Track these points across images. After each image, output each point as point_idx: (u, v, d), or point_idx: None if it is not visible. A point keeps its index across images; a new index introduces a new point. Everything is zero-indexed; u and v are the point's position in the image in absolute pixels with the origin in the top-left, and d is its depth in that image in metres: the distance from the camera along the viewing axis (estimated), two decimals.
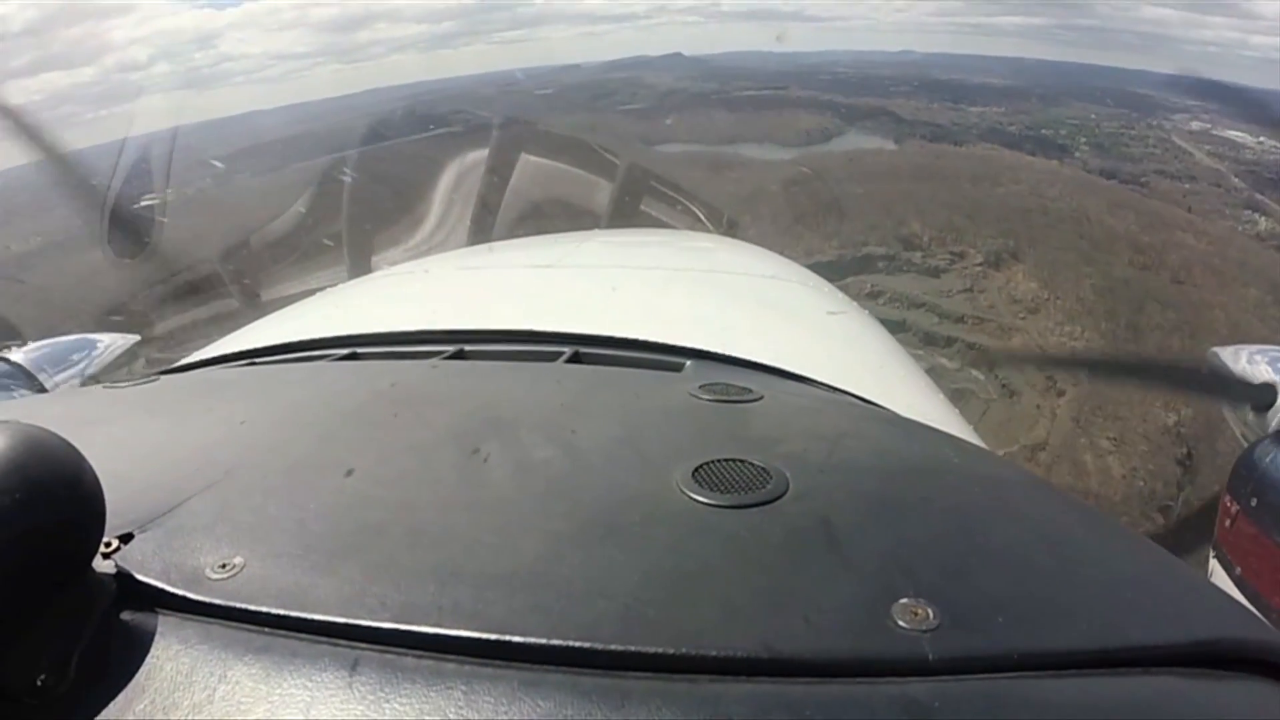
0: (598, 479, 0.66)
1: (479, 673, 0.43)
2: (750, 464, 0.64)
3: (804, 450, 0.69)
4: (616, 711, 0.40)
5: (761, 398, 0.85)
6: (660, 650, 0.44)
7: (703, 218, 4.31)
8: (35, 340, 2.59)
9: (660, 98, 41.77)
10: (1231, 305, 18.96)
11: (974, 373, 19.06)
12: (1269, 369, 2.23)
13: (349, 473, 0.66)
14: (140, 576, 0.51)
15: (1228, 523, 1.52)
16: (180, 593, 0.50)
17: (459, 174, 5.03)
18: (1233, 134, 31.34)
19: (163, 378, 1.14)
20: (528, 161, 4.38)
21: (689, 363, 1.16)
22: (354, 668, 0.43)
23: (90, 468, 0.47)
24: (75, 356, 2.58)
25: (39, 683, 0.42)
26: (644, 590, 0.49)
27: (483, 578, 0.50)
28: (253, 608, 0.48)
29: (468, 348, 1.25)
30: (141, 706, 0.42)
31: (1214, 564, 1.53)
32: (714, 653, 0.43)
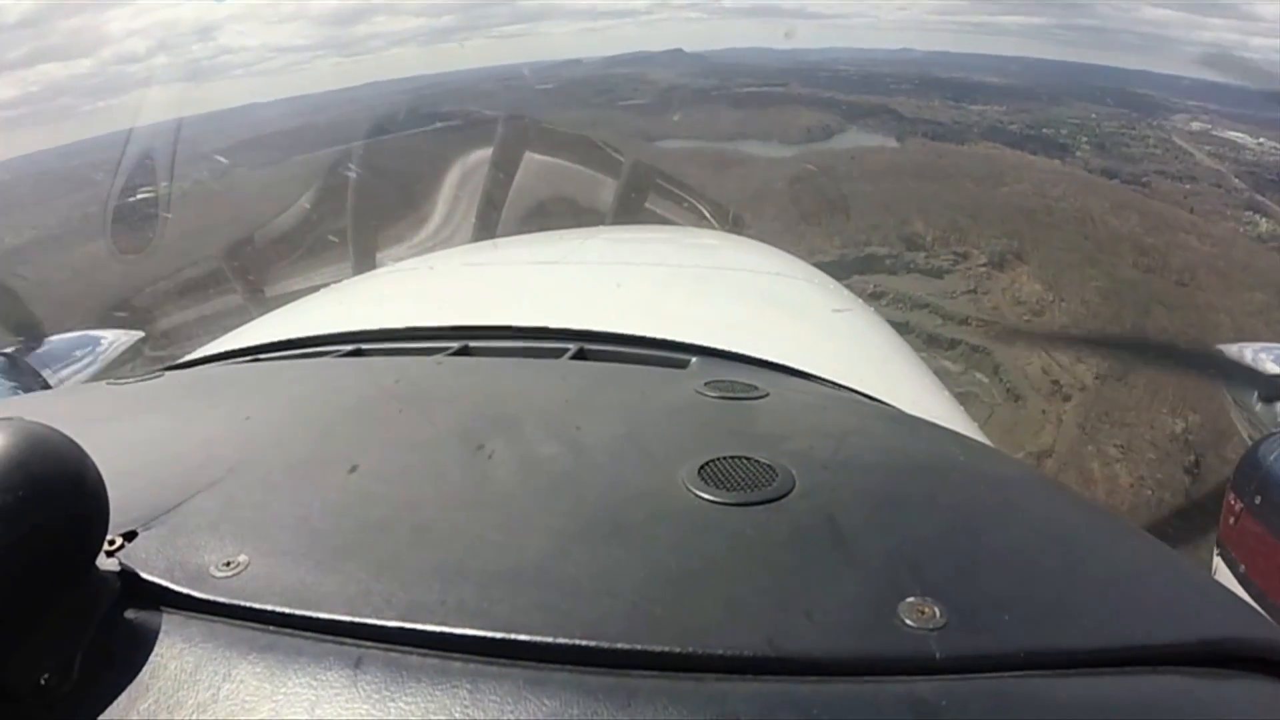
0: (603, 476, 0.67)
1: (484, 671, 0.43)
2: (756, 461, 0.64)
3: (810, 448, 0.69)
4: (622, 710, 0.40)
5: (767, 395, 0.86)
6: (666, 648, 0.44)
7: (708, 214, 4.31)
8: (40, 336, 2.58)
9: (661, 94, 41.73)
10: (1237, 309, 18.96)
11: (978, 376, 19.05)
12: (1275, 366, 2.25)
13: (353, 469, 0.66)
14: (144, 574, 0.51)
15: (1232, 520, 1.53)
16: (184, 591, 0.50)
17: (463, 170, 5.02)
18: (1233, 135, 31.41)
19: (167, 374, 1.15)
20: (532, 158, 4.38)
21: (694, 360, 1.16)
22: (359, 666, 0.44)
23: (93, 465, 0.47)
24: (79, 353, 2.58)
25: (42, 681, 0.42)
26: (650, 588, 0.49)
27: (488, 575, 0.51)
28: (257, 605, 0.49)
29: (472, 344, 1.26)
30: (146, 705, 0.43)
31: (1218, 561, 1.55)
32: (720, 651, 0.44)
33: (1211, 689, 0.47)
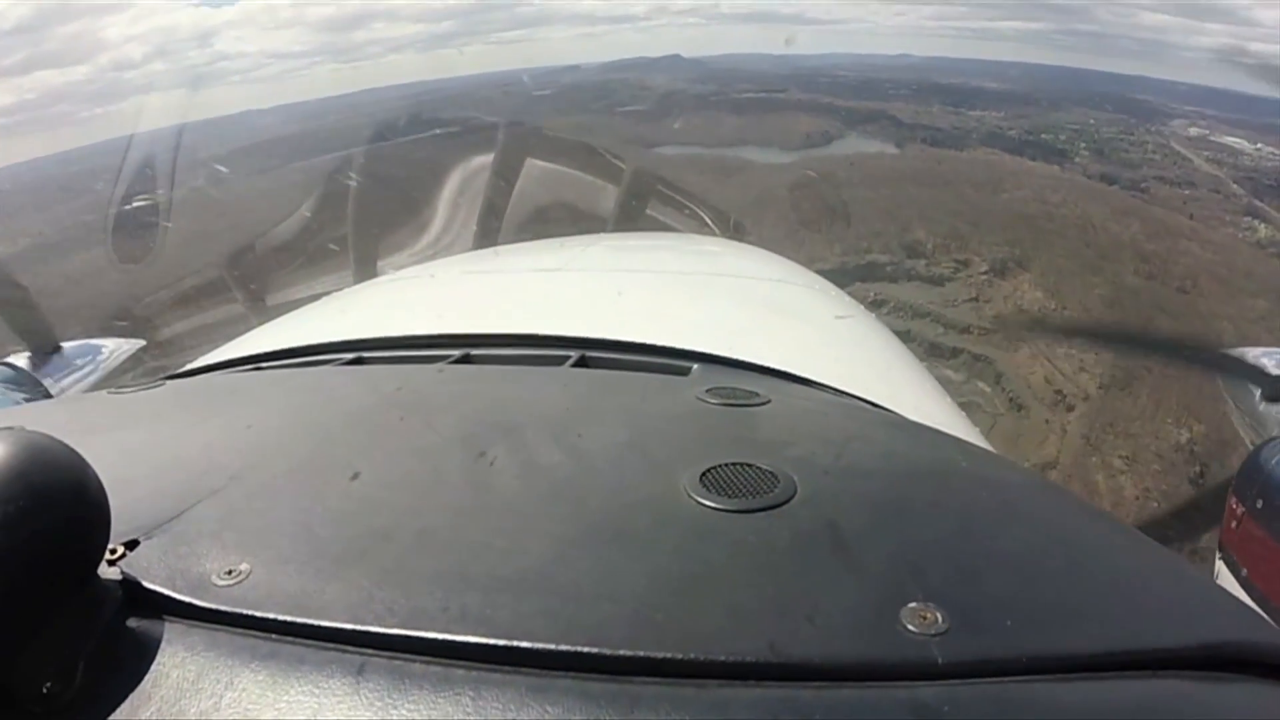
0: (605, 483, 0.67)
1: (487, 678, 0.43)
2: (758, 468, 0.64)
3: (812, 454, 0.69)
4: (625, 716, 0.40)
5: (769, 402, 0.86)
6: (669, 655, 0.44)
7: (709, 221, 4.31)
8: (41, 345, 2.58)
9: (660, 99, 41.88)
10: (1239, 316, 18.91)
11: (980, 385, 19.03)
12: (1278, 368, 2.24)
13: (355, 477, 0.67)
14: (146, 583, 0.51)
15: (1234, 524, 1.53)
16: (186, 599, 0.50)
17: (464, 177, 5.02)
18: (1230, 140, 31.52)
19: (168, 383, 1.14)
20: (533, 165, 4.39)
21: (696, 367, 1.17)
22: (361, 674, 0.44)
23: (95, 474, 0.48)
24: (80, 362, 2.57)
25: (45, 690, 0.43)
26: (652, 595, 0.49)
27: (490, 582, 0.51)
28: (259, 614, 0.49)
29: (474, 352, 1.26)
30: (148, 713, 0.43)
31: (1220, 565, 1.56)
32: (722, 657, 0.44)
33: (1214, 693, 0.47)
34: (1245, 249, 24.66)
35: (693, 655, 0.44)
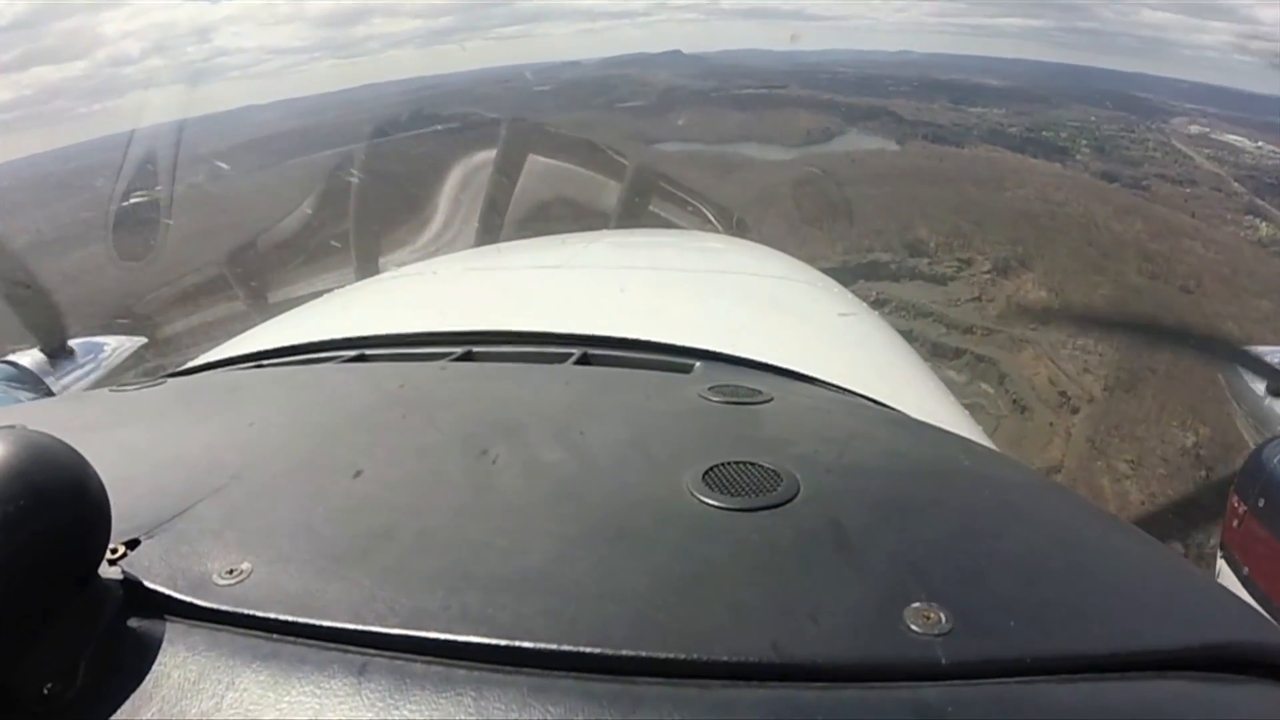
0: (607, 482, 0.67)
1: (489, 678, 0.43)
2: (761, 466, 0.64)
3: (815, 452, 0.69)
4: (627, 717, 0.40)
5: (771, 399, 0.86)
6: (671, 655, 0.44)
7: (711, 218, 4.31)
8: (42, 343, 2.57)
9: (660, 95, 41.83)
10: (1243, 317, 18.79)
11: (984, 386, 18.98)
12: None
13: (357, 475, 0.67)
14: (147, 582, 0.51)
15: (1235, 523, 1.54)
16: (187, 599, 0.50)
17: (465, 174, 5.02)
18: (1231, 138, 31.54)
19: (169, 380, 1.14)
20: (535, 161, 4.38)
21: (698, 364, 1.17)
22: (363, 673, 0.44)
23: (95, 474, 0.48)
24: (81, 360, 2.57)
25: (46, 690, 0.43)
26: (655, 594, 0.49)
27: (492, 582, 0.51)
28: (260, 613, 0.49)
29: (476, 349, 1.26)
30: (149, 713, 0.43)
31: (1221, 564, 1.57)
32: (725, 657, 0.44)
33: (1216, 693, 0.47)
34: (1248, 248, 24.65)
35: (695, 655, 0.44)
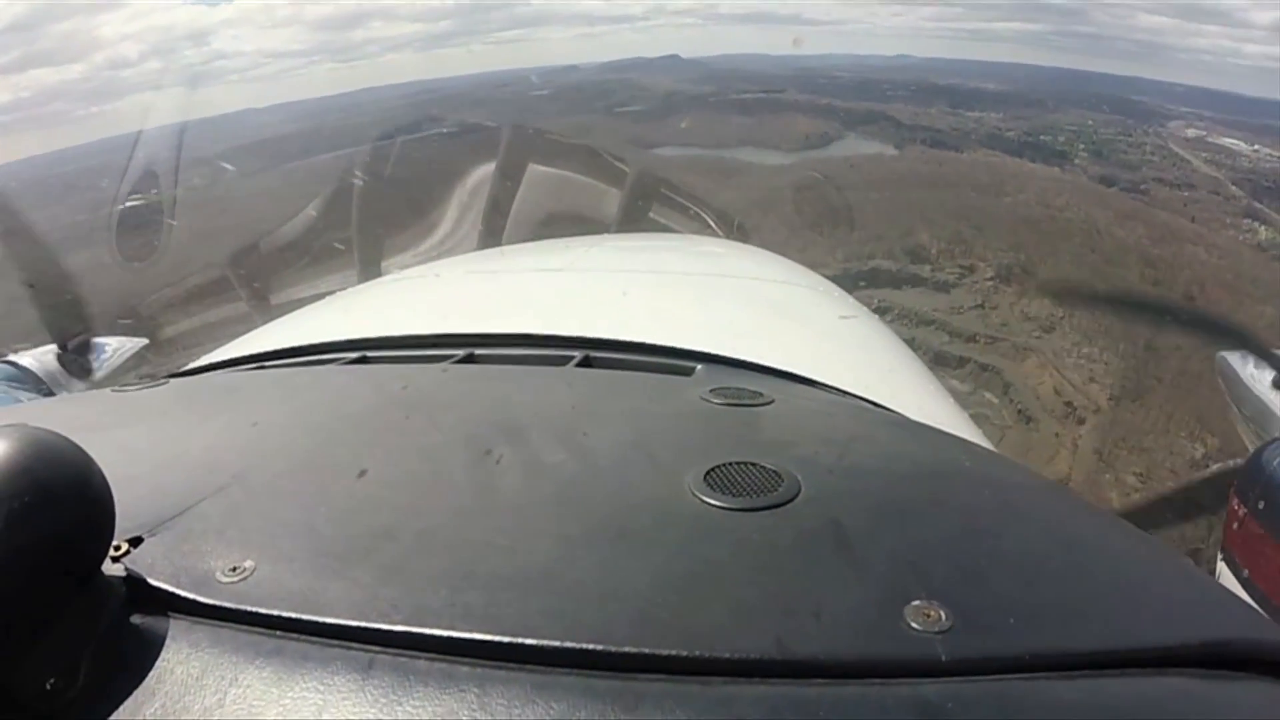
0: (609, 482, 0.67)
1: (492, 675, 0.43)
2: (762, 467, 0.65)
3: (815, 454, 0.70)
4: (630, 714, 0.40)
5: (772, 401, 0.87)
6: (673, 652, 0.44)
7: (712, 223, 4.31)
8: (43, 344, 2.57)
9: (658, 100, 41.99)
10: (1248, 323, 18.62)
11: (988, 395, 18.90)
12: None
13: (360, 475, 0.67)
14: (150, 580, 0.52)
15: (1235, 525, 1.55)
16: (190, 596, 0.51)
17: (467, 177, 5.02)
18: (1228, 141, 31.67)
19: (171, 381, 1.15)
20: (536, 166, 4.39)
21: (699, 367, 1.18)
22: (366, 670, 0.44)
23: (99, 471, 0.48)
24: (82, 360, 2.57)
25: (48, 686, 0.43)
26: (657, 593, 0.50)
27: (495, 580, 0.51)
28: (264, 611, 0.49)
29: (478, 351, 1.27)
30: (152, 710, 0.43)
31: (1221, 565, 1.57)
32: (727, 655, 0.44)
33: (1216, 691, 0.47)
34: (1248, 252, 24.74)
35: (697, 652, 0.44)
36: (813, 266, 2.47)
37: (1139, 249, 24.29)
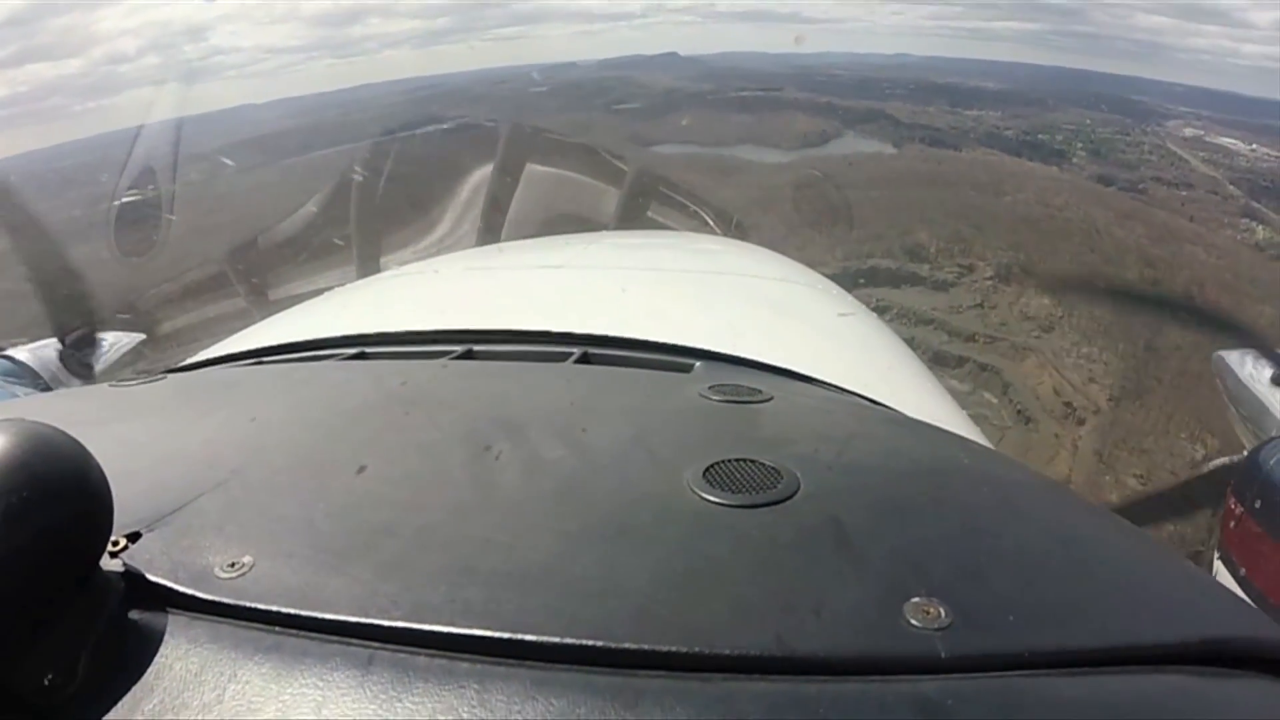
0: (609, 479, 0.67)
1: (492, 671, 0.43)
2: (761, 464, 0.65)
3: (814, 451, 0.70)
4: (629, 710, 0.40)
5: (771, 399, 0.87)
6: (673, 649, 0.44)
7: (711, 221, 4.32)
8: (41, 339, 2.57)
9: (656, 98, 41.90)
10: (1247, 323, 18.46)
11: (987, 395, 18.74)
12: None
13: (360, 471, 0.67)
14: (149, 575, 0.51)
15: (1232, 524, 1.55)
16: (189, 591, 0.51)
17: (467, 174, 5.03)
18: (1226, 141, 31.71)
19: (169, 376, 1.15)
20: (536, 163, 4.39)
21: (698, 364, 1.18)
22: (365, 666, 0.44)
23: (97, 466, 0.48)
24: (82, 353, 2.56)
25: (47, 682, 0.43)
26: (656, 589, 0.50)
27: (495, 576, 0.51)
28: (262, 606, 0.49)
29: (477, 348, 1.27)
30: (150, 706, 0.43)
31: (1218, 564, 1.58)
32: (727, 651, 0.44)
33: (1214, 688, 0.48)
34: (1246, 252, 24.72)
35: (697, 649, 0.44)
36: (811, 265, 2.47)
37: (1138, 248, 24.22)
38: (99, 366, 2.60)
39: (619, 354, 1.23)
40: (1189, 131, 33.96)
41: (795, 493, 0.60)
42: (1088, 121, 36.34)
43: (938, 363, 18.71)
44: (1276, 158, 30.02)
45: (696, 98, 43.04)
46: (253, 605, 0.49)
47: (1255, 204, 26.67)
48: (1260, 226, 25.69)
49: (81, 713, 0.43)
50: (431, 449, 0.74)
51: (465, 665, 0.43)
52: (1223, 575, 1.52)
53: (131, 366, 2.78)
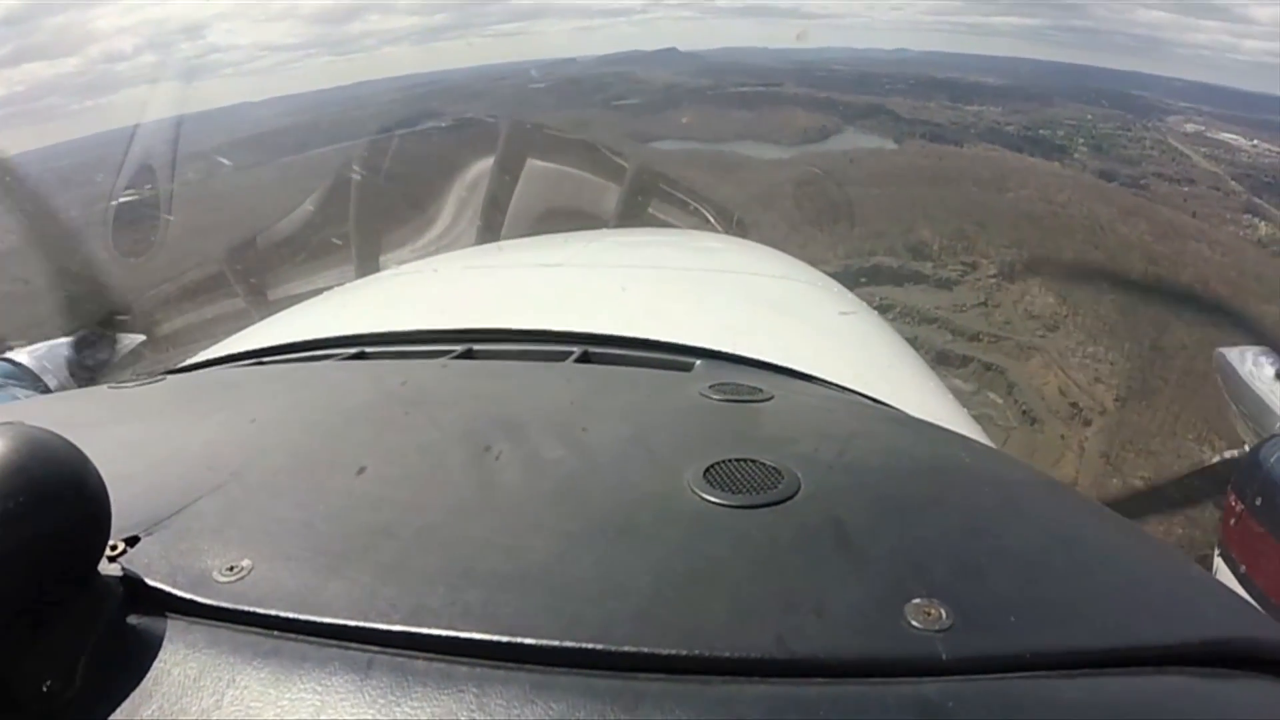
0: (609, 479, 0.67)
1: (491, 675, 0.43)
2: (761, 464, 0.65)
3: (815, 450, 0.70)
4: (629, 713, 0.40)
5: (772, 398, 0.86)
6: (673, 651, 0.44)
7: (711, 218, 4.32)
8: (39, 340, 2.57)
9: (656, 93, 41.81)
10: (1253, 321, 18.30)
11: (991, 395, 18.68)
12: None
13: (359, 472, 0.67)
14: (147, 580, 0.51)
15: (1232, 522, 1.55)
16: (187, 596, 0.50)
17: (466, 172, 5.02)
18: (1226, 136, 31.69)
19: (168, 377, 1.15)
20: (535, 162, 4.39)
21: (699, 362, 1.18)
22: (364, 670, 0.44)
23: (95, 470, 0.48)
24: (79, 355, 2.56)
25: (45, 688, 0.43)
26: (656, 591, 0.50)
27: (494, 578, 0.51)
28: (261, 610, 0.49)
29: (477, 347, 1.27)
30: (149, 711, 0.43)
31: (1218, 562, 1.58)
32: (727, 653, 0.44)
33: (1215, 689, 0.48)
34: (1251, 249, 24.57)
35: (697, 651, 0.44)
36: (814, 263, 2.47)
37: (1142, 245, 24.05)
38: (98, 368, 2.60)
39: (619, 353, 1.22)
40: (1190, 127, 33.91)
41: (796, 493, 0.60)
42: (1088, 117, 36.27)
43: (942, 362, 18.62)
44: (1278, 153, 29.98)
45: (696, 93, 42.91)
46: (251, 609, 0.49)
47: (1257, 200, 26.63)
48: (1263, 222, 25.65)
49: (80, 718, 0.43)
50: (431, 449, 0.74)
51: (464, 669, 0.43)
52: (1223, 573, 1.52)
53: (131, 368, 2.78)
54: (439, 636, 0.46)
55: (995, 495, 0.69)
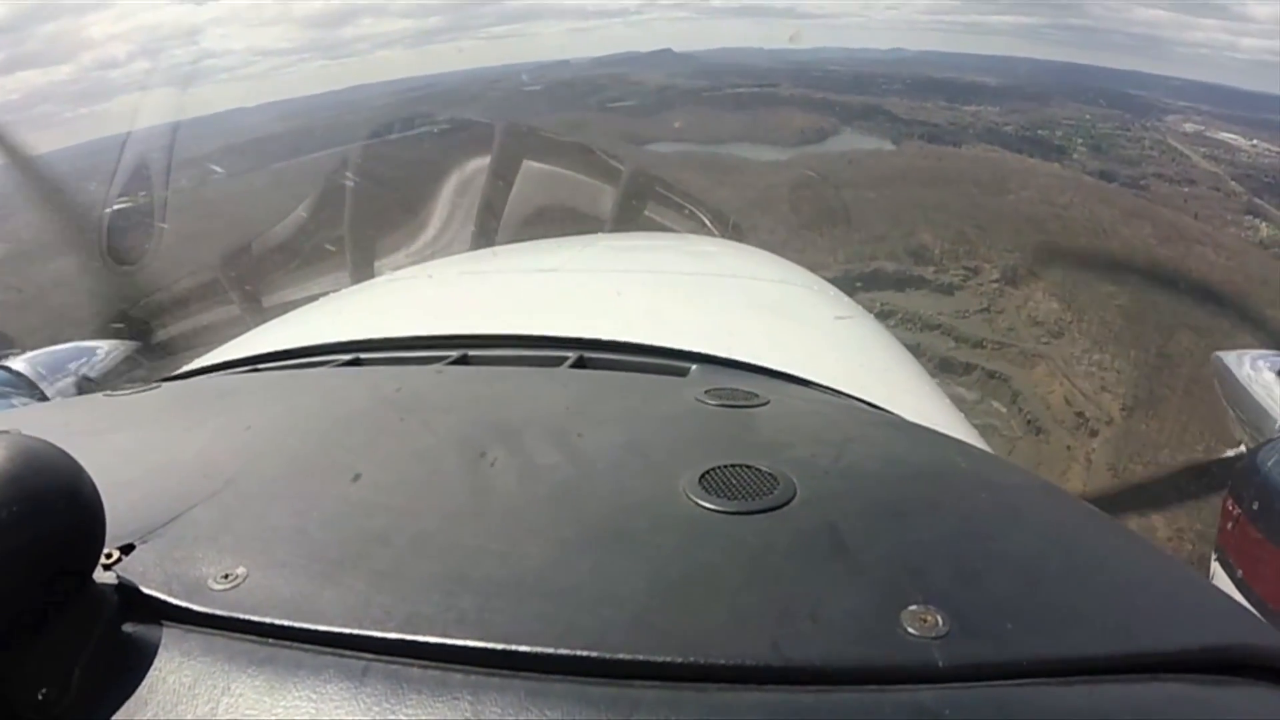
0: (604, 485, 0.67)
1: (486, 682, 0.43)
2: (757, 469, 0.65)
3: (811, 455, 0.70)
4: None
5: (768, 403, 0.86)
6: (668, 658, 0.44)
7: (707, 222, 4.32)
8: (35, 348, 2.58)
9: (650, 95, 41.83)
10: (1261, 326, 18.18)
11: (995, 404, 18.50)
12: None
13: (354, 479, 0.67)
14: (142, 588, 0.52)
15: (1230, 526, 1.55)
16: (182, 604, 0.51)
17: (460, 177, 5.02)
18: (1226, 136, 31.73)
19: (163, 385, 1.15)
20: (531, 165, 4.39)
21: (694, 367, 1.18)
22: (359, 678, 0.44)
23: (89, 478, 0.48)
24: (74, 364, 2.57)
25: (41, 696, 0.43)
26: (651, 598, 0.50)
27: (489, 586, 0.51)
28: (256, 618, 0.49)
29: (472, 353, 1.27)
30: (145, 719, 0.43)
31: (1215, 566, 1.56)
32: (722, 661, 0.44)
33: (1212, 695, 0.47)
34: (1254, 250, 24.45)
35: (693, 658, 0.44)
36: (813, 268, 2.47)
37: (1146, 249, 23.84)
38: (94, 376, 2.60)
39: (615, 358, 1.23)
40: (1189, 127, 33.97)
41: (792, 498, 0.60)
42: (1087, 116, 36.32)
43: (945, 370, 18.45)
44: (1277, 153, 30.00)
45: (691, 95, 42.85)
46: (246, 617, 0.49)
47: (1258, 200, 26.60)
48: (1264, 224, 25.61)
49: None
50: (426, 456, 0.74)
51: (459, 676, 0.44)
52: (1220, 578, 1.51)
53: (126, 375, 2.79)
54: (434, 644, 0.46)
55: (992, 500, 0.69)
